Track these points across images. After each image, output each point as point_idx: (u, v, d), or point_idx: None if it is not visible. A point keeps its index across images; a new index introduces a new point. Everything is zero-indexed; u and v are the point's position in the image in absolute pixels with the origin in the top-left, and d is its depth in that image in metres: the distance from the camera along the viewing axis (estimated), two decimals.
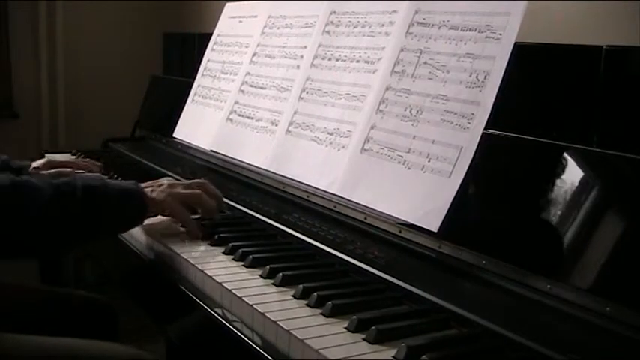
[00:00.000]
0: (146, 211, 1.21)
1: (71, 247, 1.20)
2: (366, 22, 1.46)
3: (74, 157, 2.12)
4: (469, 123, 1.14)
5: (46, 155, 2.12)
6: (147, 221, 1.27)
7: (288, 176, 1.49)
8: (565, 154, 1.00)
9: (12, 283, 1.50)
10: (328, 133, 1.42)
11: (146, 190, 1.23)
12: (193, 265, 1.13)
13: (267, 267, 1.08)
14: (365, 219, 1.26)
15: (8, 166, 1.55)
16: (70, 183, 1.11)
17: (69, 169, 1.56)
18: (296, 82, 1.59)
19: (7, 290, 1.46)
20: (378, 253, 1.14)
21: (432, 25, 1.28)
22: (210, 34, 2.07)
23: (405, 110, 1.26)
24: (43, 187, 1.07)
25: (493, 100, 1.12)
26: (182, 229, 1.30)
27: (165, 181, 1.30)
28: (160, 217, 1.31)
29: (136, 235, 1.36)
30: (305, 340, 0.85)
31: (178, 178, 1.56)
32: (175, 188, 1.27)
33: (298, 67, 1.60)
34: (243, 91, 1.78)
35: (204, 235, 1.26)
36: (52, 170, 1.56)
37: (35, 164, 1.61)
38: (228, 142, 1.75)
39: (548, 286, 0.93)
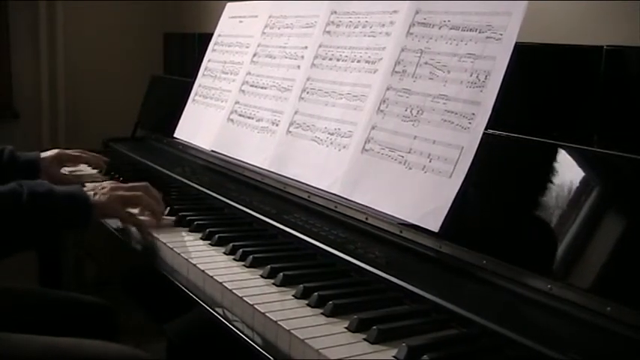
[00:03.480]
0: (90, 214, 1.24)
1: (18, 250, 1.24)
2: (366, 22, 1.46)
3: (58, 151, 2.12)
4: (470, 123, 1.14)
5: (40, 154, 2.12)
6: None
7: (288, 176, 1.49)
8: (565, 154, 1.00)
9: (12, 285, 1.50)
10: (329, 133, 1.43)
11: (89, 193, 1.27)
12: (194, 265, 1.13)
13: (268, 267, 1.08)
14: (366, 219, 1.26)
15: (14, 159, 1.56)
16: (17, 190, 1.14)
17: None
18: (297, 82, 1.59)
19: (7, 292, 1.46)
20: (378, 253, 1.15)
21: (433, 25, 1.28)
22: (211, 34, 2.07)
23: (406, 110, 1.26)
24: None
25: (494, 100, 1.12)
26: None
27: (107, 184, 1.35)
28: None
29: (136, 235, 1.36)
30: (306, 340, 0.85)
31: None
32: (117, 191, 1.32)
33: (299, 67, 1.60)
34: (243, 91, 1.78)
35: (204, 235, 1.27)
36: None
37: (44, 155, 1.62)
38: (228, 142, 1.75)
39: (549, 286, 0.93)
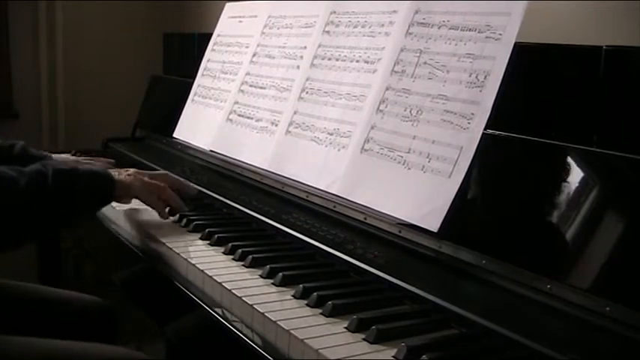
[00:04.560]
0: (114, 189, 1.26)
1: (48, 230, 1.31)
2: (366, 22, 1.46)
3: (75, 157, 2.12)
4: (469, 123, 1.14)
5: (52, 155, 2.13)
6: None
7: (287, 176, 1.49)
8: (565, 154, 1.00)
9: (11, 284, 1.50)
10: (328, 133, 1.42)
11: (114, 173, 1.30)
12: (193, 265, 1.13)
13: (267, 267, 1.08)
14: (365, 219, 1.26)
15: (26, 152, 1.57)
16: (42, 170, 1.15)
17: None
18: (296, 82, 1.59)
19: (6, 291, 1.46)
20: (377, 253, 1.14)
21: (432, 25, 1.28)
22: (210, 34, 2.06)
23: (405, 110, 1.26)
24: (17, 176, 1.11)
25: (493, 100, 1.12)
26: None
27: (131, 169, 1.39)
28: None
29: (136, 235, 1.36)
30: (305, 340, 0.85)
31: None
32: (141, 175, 1.37)
33: (298, 67, 1.60)
34: (243, 91, 1.78)
35: (205, 234, 1.27)
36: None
37: (56, 155, 1.63)
38: (228, 142, 1.75)
39: (549, 286, 0.93)
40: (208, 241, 1.25)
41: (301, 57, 1.61)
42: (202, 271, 1.10)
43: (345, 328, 0.89)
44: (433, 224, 1.11)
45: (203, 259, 1.16)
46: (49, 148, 2.68)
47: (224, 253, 1.19)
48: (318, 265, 1.14)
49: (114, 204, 1.37)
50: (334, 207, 1.34)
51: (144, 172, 1.41)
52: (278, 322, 0.90)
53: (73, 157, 1.83)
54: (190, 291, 1.10)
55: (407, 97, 1.27)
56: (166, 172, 1.44)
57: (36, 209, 1.13)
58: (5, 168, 1.13)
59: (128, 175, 1.33)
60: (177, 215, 1.39)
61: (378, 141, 1.29)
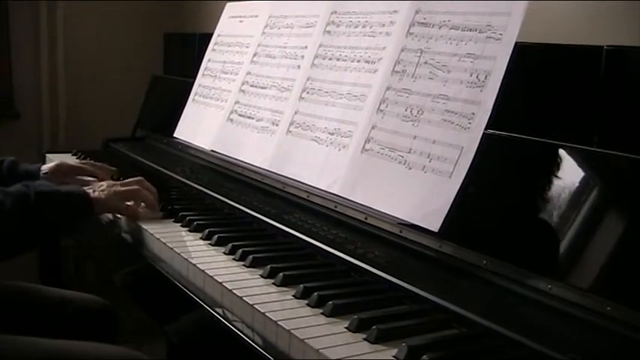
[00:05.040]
0: (91, 209, 1.33)
1: (32, 245, 1.38)
2: (366, 22, 1.46)
3: (75, 157, 2.13)
4: (470, 123, 1.14)
5: (48, 156, 2.13)
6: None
7: (288, 176, 1.49)
8: (565, 154, 1.00)
9: (11, 284, 1.50)
10: (329, 133, 1.42)
11: (88, 191, 1.35)
12: (194, 265, 1.13)
13: (268, 267, 1.08)
14: (365, 219, 1.26)
15: (15, 169, 1.56)
16: (24, 191, 1.22)
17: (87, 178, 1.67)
18: (297, 81, 1.59)
19: (6, 291, 1.46)
20: (378, 253, 1.14)
21: (433, 25, 1.28)
22: (211, 34, 2.06)
23: (406, 110, 1.26)
24: (3, 199, 1.19)
25: (494, 100, 1.12)
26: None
27: (104, 182, 1.44)
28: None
29: (137, 235, 1.36)
30: (306, 340, 0.85)
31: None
32: (114, 187, 1.41)
33: (299, 67, 1.60)
34: (243, 90, 1.78)
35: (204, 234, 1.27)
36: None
37: (44, 168, 1.62)
38: (228, 141, 1.75)
39: (549, 286, 0.93)
40: (209, 241, 1.25)
41: (302, 57, 1.61)
42: (203, 271, 1.10)
43: (346, 328, 0.89)
44: (434, 224, 1.11)
45: (204, 259, 1.16)
46: (49, 148, 2.69)
47: (225, 253, 1.19)
48: (319, 265, 1.15)
49: None
50: (335, 207, 1.34)
51: (115, 182, 1.46)
52: (279, 322, 0.90)
53: (77, 160, 1.83)
54: (191, 291, 1.10)
55: (408, 96, 1.27)
56: (139, 177, 1.48)
57: (19, 227, 1.20)
58: None
59: (102, 190, 1.38)
60: (179, 215, 1.39)
61: (379, 141, 1.29)
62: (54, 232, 1.39)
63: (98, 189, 1.38)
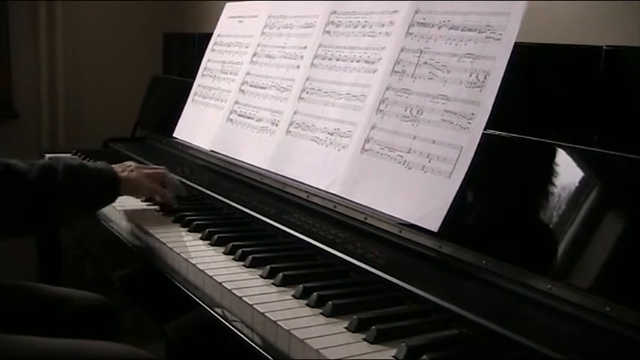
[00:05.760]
0: (119, 187, 1.32)
1: (55, 223, 1.37)
2: (366, 22, 1.46)
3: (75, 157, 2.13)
4: (469, 123, 1.14)
5: (48, 156, 2.13)
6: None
7: (288, 176, 1.49)
8: (565, 154, 1.00)
9: (11, 283, 1.50)
10: (328, 133, 1.42)
11: (117, 169, 1.35)
12: (194, 265, 1.13)
13: (268, 267, 1.08)
14: (365, 219, 1.26)
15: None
16: (52, 165, 1.20)
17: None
18: (296, 82, 1.59)
19: (7, 290, 1.46)
20: (378, 253, 1.14)
21: (433, 25, 1.28)
22: (210, 34, 2.06)
23: (405, 110, 1.26)
24: (29, 169, 1.16)
25: (493, 100, 1.12)
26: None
27: (132, 163, 1.43)
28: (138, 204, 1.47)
29: (137, 234, 1.36)
30: (305, 340, 0.85)
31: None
32: (142, 169, 1.42)
33: (298, 67, 1.60)
34: (243, 91, 1.78)
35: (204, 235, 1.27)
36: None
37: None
38: (228, 142, 1.75)
39: (549, 286, 0.93)
40: (209, 241, 1.25)
41: (301, 57, 1.61)
42: (202, 271, 1.10)
43: (345, 328, 0.89)
44: (433, 224, 1.11)
45: (203, 259, 1.16)
46: (49, 148, 2.69)
47: (224, 253, 1.19)
48: (319, 265, 1.14)
49: (114, 203, 1.38)
50: (334, 207, 1.34)
51: (143, 165, 1.46)
52: (278, 322, 0.90)
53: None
54: (190, 291, 1.10)
55: (407, 97, 1.27)
56: (164, 167, 1.49)
57: (43, 201, 1.17)
58: (18, 160, 1.18)
59: (131, 171, 1.37)
60: (178, 215, 1.39)
61: (379, 141, 1.29)
62: (76, 210, 1.32)
63: (127, 168, 1.37)
